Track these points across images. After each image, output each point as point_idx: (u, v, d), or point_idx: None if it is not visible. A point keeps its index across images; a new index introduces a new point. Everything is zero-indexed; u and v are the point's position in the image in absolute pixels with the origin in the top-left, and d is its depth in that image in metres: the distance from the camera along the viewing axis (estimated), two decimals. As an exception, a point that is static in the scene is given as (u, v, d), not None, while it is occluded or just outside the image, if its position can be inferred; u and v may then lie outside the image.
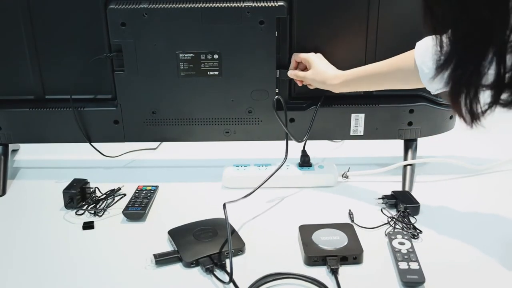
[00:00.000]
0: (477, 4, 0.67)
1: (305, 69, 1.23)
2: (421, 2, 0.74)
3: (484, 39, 0.69)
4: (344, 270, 0.94)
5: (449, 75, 0.74)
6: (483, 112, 0.75)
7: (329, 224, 1.05)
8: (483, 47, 0.69)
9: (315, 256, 0.96)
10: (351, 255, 0.96)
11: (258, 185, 1.16)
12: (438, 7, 0.72)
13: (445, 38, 0.74)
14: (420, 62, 1.01)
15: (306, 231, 1.03)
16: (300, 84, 1.25)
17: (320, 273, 0.94)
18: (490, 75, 0.71)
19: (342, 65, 1.23)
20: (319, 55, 1.22)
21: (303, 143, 1.27)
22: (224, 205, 1.06)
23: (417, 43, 1.03)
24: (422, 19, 0.75)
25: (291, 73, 1.23)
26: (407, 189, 1.23)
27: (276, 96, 1.23)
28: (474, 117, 0.76)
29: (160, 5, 1.18)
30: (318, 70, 1.19)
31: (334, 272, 0.93)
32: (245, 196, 1.12)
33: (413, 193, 1.18)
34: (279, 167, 1.21)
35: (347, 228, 1.04)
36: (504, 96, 0.71)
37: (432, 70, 0.78)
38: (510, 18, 0.67)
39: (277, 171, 1.20)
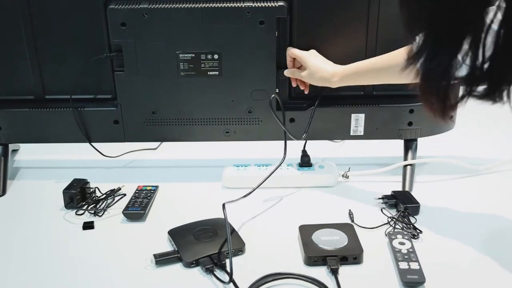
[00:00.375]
0: None
1: (301, 66, 1.22)
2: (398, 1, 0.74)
3: (459, 31, 0.69)
4: (344, 270, 0.94)
5: (422, 66, 0.73)
6: (455, 104, 0.74)
7: (329, 224, 1.04)
8: (458, 40, 0.69)
9: (315, 256, 0.96)
10: (351, 255, 0.96)
11: (257, 184, 1.16)
12: (414, 3, 0.73)
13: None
14: None
15: (306, 231, 1.03)
16: (294, 84, 1.25)
17: (320, 273, 0.94)
18: (463, 67, 0.71)
19: (342, 65, 1.23)
20: (313, 52, 1.21)
21: (304, 142, 1.27)
22: (224, 205, 1.06)
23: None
24: (400, 17, 0.76)
25: (288, 72, 1.23)
26: (407, 189, 1.23)
27: (273, 95, 1.23)
28: (445, 109, 0.75)
29: (160, 5, 1.18)
30: (315, 69, 1.18)
31: (334, 272, 0.93)
32: (245, 196, 1.12)
33: (413, 193, 1.18)
34: (278, 165, 1.21)
35: (347, 228, 1.04)
36: (478, 88, 0.71)
37: None
38: (485, 10, 0.67)
39: (276, 169, 1.20)
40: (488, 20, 0.68)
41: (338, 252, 0.96)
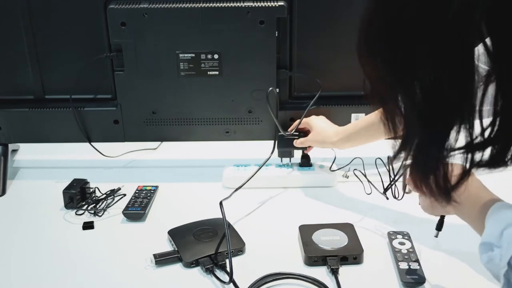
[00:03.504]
0: (441, 86, 0.58)
1: (308, 131, 1.24)
2: (365, 75, 0.64)
3: (450, 116, 0.60)
4: (345, 270, 0.94)
5: (411, 159, 0.65)
6: (456, 184, 0.65)
7: (329, 224, 1.04)
8: (449, 124, 0.60)
9: (315, 256, 0.96)
10: (351, 255, 0.96)
11: (250, 176, 1.17)
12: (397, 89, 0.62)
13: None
14: None
15: (306, 231, 1.03)
16: (308, 151, 1.27)
17: (321, 273, 0.94)
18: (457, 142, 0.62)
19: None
20: (321, 117, 1.24)
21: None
22: (221, 203, 1.06)
23: None
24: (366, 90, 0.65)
25: (297, 142, 1.24)
26: (407, 189, 1.23)
27: (271, 88, 1.22)
28: (446, 192, 0.65)
29: (160, 5, 1.18)
30: (318, 131, 1.21)
31: (335, 272, 0.93)
32: (237, 189, 1.14)
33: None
34: (268, 157, 1.23)
35: (348, 228, 1.03)
36: (477, 156, 0.64)
37: None
38: (475, 88, 0.58)
39: (267, 160, 1.22)
40: (479, 93, 0.60)
41: (338, 252, 0.96)
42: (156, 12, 1.18)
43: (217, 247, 0.99)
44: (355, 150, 1.41)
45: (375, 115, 1.11)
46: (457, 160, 0.64)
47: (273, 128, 1.27)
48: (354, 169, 1.19)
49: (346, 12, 1.20)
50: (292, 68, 1.25)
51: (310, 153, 1.29)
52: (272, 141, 1.28)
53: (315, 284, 0.91)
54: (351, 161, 1.24)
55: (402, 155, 0.65)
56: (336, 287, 0.89)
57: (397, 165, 1.05)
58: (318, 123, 1.22)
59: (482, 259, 0.73)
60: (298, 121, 1.23)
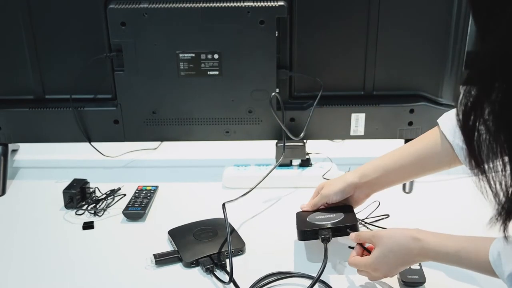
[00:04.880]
0: None
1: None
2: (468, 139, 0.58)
3: None
4: (344, 270, 0.94)
5: None
6: None
7: (327, 208, 1.03)
8: None
9: (308, 230, 0.96)
10: (344, 226, 0.95)
11: (257, 183, 1.16)
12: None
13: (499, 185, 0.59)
14: (453, 138, 0.89)
15: (302, 215, 1.02)
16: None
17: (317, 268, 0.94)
18: None
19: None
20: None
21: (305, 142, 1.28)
22: (224, 205, 1.05)
23: (440, 120, 0.93)
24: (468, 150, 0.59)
25: (310, 206, 1.04)
26: (407, 189, 1.23)
27: (273, 93, 1.23)
28: None
29: (160, 5, 1.18)
30: (333, 181, 1.03)
31: (325, 240, 0.93)
32: (244, 194, 1.12)
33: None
34: (278, 163, 1.22)
35: (346, 208, 1.01)
36: None
37: None
38: None
39: (275, 167, 1.21)
40: None
41: (332, 225, 0.96)
42: (156, 12, 1.18)
43: (217, 247, 0.99)
44: (355, 150, 1.42)
45: (424, 144, 0.96)
46: None
47: (273, 128, 1.27)
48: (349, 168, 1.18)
49: (346, 12, 1.20)
50: (292, 68, 1.25)
51: (310, 153, 1.29)
52: (273, 141, 1.29)
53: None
54: (348, 170, 1.24)
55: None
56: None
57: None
58: (330, 179, 1.06)
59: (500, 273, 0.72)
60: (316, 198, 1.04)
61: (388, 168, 0.98)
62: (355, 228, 0.95)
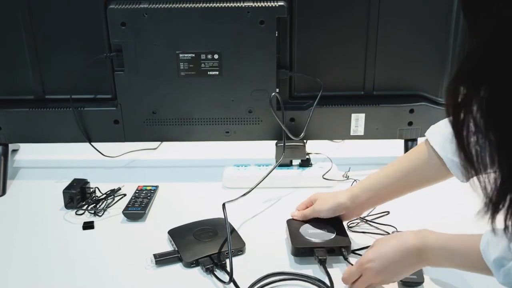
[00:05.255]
0: None
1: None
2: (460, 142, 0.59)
3: None
4: (337, 263, 0.94)
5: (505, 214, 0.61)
6: None
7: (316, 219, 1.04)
8: None
9: (303, 247, 0.97)
10: (339, 247, 0.96)
11: (257, 183, 1.16)
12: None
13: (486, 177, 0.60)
14: (444, 153, 0.89)
15: (294, 225, 1.03)
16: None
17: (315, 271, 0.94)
18: None
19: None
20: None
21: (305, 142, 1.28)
22: (224, 205, 1.05)
23: (428, 134, 0.93)
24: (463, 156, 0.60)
25: (300, 216, 1.05)
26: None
27: (273, 94, 1.23)
28: None
29: (160, 5, 1.18)
30: (326, 197, 1.04)
31: (322, 262, 0.93)
32: (244, 194, 1.12)
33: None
34: (278, 163, 1.22)
35: (336, 222, 1.02)
36: None
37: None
38: None
39: (275, 167, 1.21)
40: None
41: (326, 244, 0.97)
42: (156, 12, 1.18)
43: (217, 247, 0.99)
44: (355, 150, 1.42)
45: (411, 160, 0.96)
46: None
47: (273, 128, 1.27)
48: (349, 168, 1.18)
49: (346, 12, 1.20)
50: (292, 68, 1.26)
51: (310, 153, 1.29)
52: (273, 141, 1.29)
53: (316, 283, 0.90)
54: (348, 170, 1.24)
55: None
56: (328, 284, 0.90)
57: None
58: (323, 193, 1.06)
59: (498, 277, 0.72)
60: (303, 209, 1.06)
61: (377, 188, 0.98)
62: (349, 249, 0.97)
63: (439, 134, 0.91)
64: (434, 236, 0.83)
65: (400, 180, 0.96)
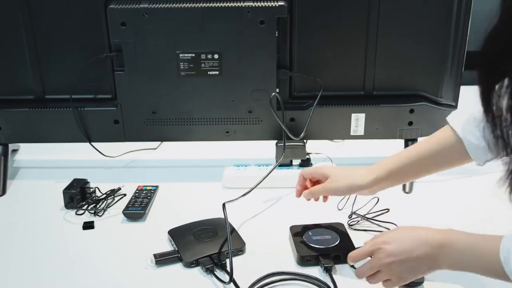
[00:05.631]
0: None
1: (317, 183, 1.04)
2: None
3: None
4: (343, 270, 0.94)
5: None
6: None
7: (319, 224, 1.04)
8: None
9: (308, 255, 0.96)
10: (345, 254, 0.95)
11: (257, 183, 1.16)
12: None
13: None
14: (464, 134, 0.90)
15: (296, 231, 1.03)
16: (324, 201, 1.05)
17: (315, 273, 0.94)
18: None
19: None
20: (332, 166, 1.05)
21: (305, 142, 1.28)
22: (224, 205, 1.05)
23: (449, 118, 0.94)
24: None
25: (307, 193, 1.02)
26: (407, 189, 1.23)
27: (273, 94, 1.23)
28: None
29: (160, 5, 1.18)
30: (340, 174, 0.99)
31: (328, 270, 0.93)
32: (244, 195, 1.12)
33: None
34: (278, 163, 1.22)
35: (338, 227, 1.03)
36: None
37: (481, 139, 0.71)
38: None
39: (275, 167, 1.21)
40: None
41: (331, 251, 0.96)
42: (156, 12, 1.18)
43: (217, 247, 0.99)
44: (355, 150, 1.42)
45: (437, 141, 0.95)
46: None
47: (273, 128, 1.27)
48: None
49: (346, 12, 1.20)
50: (292, 68, 1.25)
51: (310, 153, 1.29)
52: (273, 141, 1.29)
53: (316, 283, 0.90)
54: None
55: None
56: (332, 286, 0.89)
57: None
58: (336, 168, 1.03)
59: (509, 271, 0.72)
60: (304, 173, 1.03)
61: (397, 169, 0.96)
62: None
63: (460, 117, 0.91)
64: (458, 236, 0.81)
65: (420, 161, 0.95)
